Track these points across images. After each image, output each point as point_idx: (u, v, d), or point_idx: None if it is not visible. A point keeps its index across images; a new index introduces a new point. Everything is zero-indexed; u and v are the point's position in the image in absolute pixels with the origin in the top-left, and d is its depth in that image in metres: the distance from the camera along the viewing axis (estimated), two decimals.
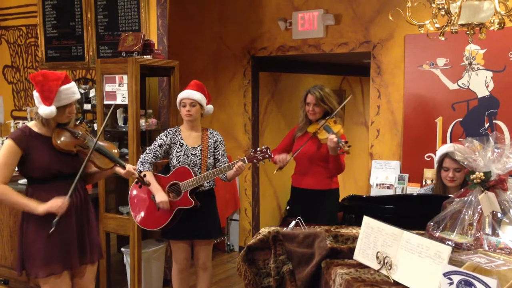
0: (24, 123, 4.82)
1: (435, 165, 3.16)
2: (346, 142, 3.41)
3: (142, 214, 3.47)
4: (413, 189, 4.09)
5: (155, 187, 3.37)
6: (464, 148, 2.91)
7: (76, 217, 2.79)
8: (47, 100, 2.62)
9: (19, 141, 2.66)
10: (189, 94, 3.42)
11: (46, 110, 2.62)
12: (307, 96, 3.71)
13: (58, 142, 2.70)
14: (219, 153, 3.54)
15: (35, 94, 2.69)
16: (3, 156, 2.65)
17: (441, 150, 3.16)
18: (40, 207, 2.62)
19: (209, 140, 3.52)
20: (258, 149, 3.35)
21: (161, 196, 3.35)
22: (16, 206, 2.76)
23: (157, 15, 4.27)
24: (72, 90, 2.72)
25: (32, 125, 2.76)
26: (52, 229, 2.61)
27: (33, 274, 2.72)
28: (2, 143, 4.70)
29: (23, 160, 2.68)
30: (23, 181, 4.04)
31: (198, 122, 3.53)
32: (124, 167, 2.88)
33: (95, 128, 4.23)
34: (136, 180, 2.98)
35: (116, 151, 2.95)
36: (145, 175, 3.10)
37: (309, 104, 3.68)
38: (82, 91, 4.28)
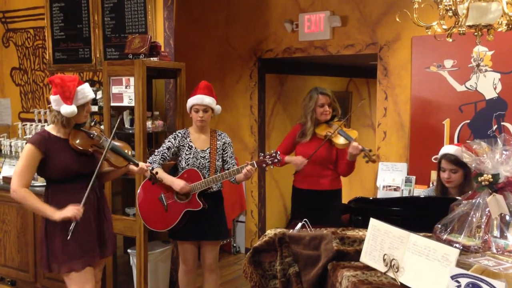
0: (31, 125, 4.86)
1: None
2: (370, 151, 3.43)
3: (150, 215, 3.49)
4: (420, 192, 4.07)
5: (169, 179, 3.38)
6: (459, 150, 2.94)
7: (94, 215, 2.94)
8: (68, 100, 2.78)
9: (39, 145, 2.79)
10: (202, 99, 3.41)
11: (68, 109, 2.76)
12: (319, 97, 3.70)
13: (75, 142, 2.84)
14: (227, 155, 3.54)
15: (54, 97, 2.82)
16: (24, 160, 2.78)
17: (441, 151, 3.21)
18: (56, 214, 2.74)
19: (218, 142, 3.52)
20: (267, 153, 3.34)
21: (178, 184, 3.34)
22: (35, 211, 2.90)
23: (164, 17, 4.27)
24: (87, 90, 2.89)
25: (50, 128, 2.91)
26: (69, 235, 2.72)
27: (55, 270, 2.87)
28: (10, 145, 4.77)
29: (43, 162, 2.81)
30: (38, 183, 4.11)
31: (207, 125, 3.54)
32: (137, 165, 3.01)
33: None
34: (149, 177, 3.15)
35: (129, 150, 3.08)
36: (157, 172, 3.20)
37: (323, 105, 3.68)
38: None
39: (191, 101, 3.46)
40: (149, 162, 3.46)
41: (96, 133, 2.94)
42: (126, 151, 3.03)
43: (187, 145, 3.49)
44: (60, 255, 2.83)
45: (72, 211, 2.72)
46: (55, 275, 3.63)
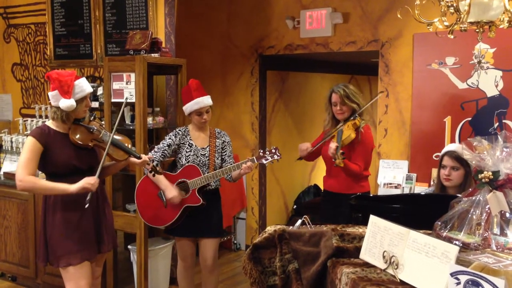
0: (32, 120, 4.86)
1: None
2: (342, 153, 3.23)
3: (149, 211, 3.49)
4: (421, 189, 4.06)
5: (164, 184, 3.38)
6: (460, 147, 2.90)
7: (93, 209, 2.94)
8: (67, 94, 2.79)
9: (40, 138, 2.81)
10: (202, 102, 3.40)
11: (67, 103, 2.78)
12: (332, 96, 3.51)
13: (75, 137, 2.85)
14: (226, 154, 3.54)
15: (52, 93, 2.83)
16: (27, 153, 2.81)
17: (445, 149, 3.18)
18: (72, 187, 2.77)
19: (217, 140, 3.52)
20: (267, 149, 3.33)
21: (171, 192, 3.35)
22: (48, 192, 2.89)
23: (165, 13, 4.27)
24: (84, 84, 2.89)
25: (50, 123, 2.92)
26: (87, 204, 2.76)
27: (54, 263, 2.90)
28: (11, 141, 4.77)
29: (43, 156, 2.83)
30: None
31: (208, 123, 3.55)
32: (139, 158, 3.02)
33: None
34: (149, 170, 3.15)
35: (129, 143, 3.09)
36: (157, 164, 3.21)
37: (335, 104, 3.48)
38: None
39: (192, 106, 3.41)
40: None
41: (96, 128, 2.95)
42: (126, 144, 3.04)
43: (187, 143, 3.49)
44: (58, 249, 2.86)
45: (88, 182, 2.76)
46: (55, 271, 3.65)
